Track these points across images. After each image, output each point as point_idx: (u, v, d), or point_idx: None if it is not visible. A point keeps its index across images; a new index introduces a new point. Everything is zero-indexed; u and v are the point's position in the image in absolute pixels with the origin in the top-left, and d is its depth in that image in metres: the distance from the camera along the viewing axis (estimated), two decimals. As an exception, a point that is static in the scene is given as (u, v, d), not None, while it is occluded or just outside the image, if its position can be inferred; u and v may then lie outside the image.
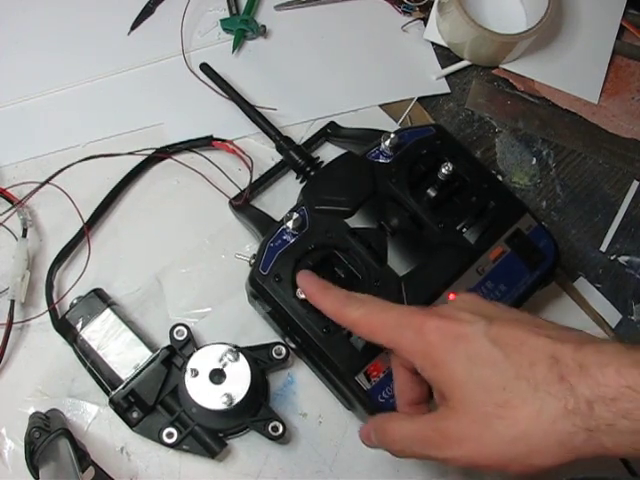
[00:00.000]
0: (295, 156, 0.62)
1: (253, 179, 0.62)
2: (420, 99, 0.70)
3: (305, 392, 0.59)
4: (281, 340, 0.57)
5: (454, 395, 0.39)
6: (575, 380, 0.35)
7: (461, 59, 0.72)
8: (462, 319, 0.40)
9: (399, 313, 0.42)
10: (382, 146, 0.57)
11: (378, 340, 0.43)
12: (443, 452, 0.39)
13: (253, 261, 0.55)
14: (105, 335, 0.56)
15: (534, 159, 0.70)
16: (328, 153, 0.65)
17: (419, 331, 0.40)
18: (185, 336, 0.56)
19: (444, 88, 0.71)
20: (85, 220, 0.60)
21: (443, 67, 0.72)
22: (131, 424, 0.54)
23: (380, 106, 0.69)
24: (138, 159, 0.63)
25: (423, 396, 0.45)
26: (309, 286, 0.48)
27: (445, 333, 0.39)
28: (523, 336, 0.38)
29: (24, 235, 0.59)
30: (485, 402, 0.37)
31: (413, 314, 0.42)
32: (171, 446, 0.53)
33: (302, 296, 0.51)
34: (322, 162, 0.62)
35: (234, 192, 0.62)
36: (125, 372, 0.55)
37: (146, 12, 0.70)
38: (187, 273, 0.61)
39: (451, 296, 0.53)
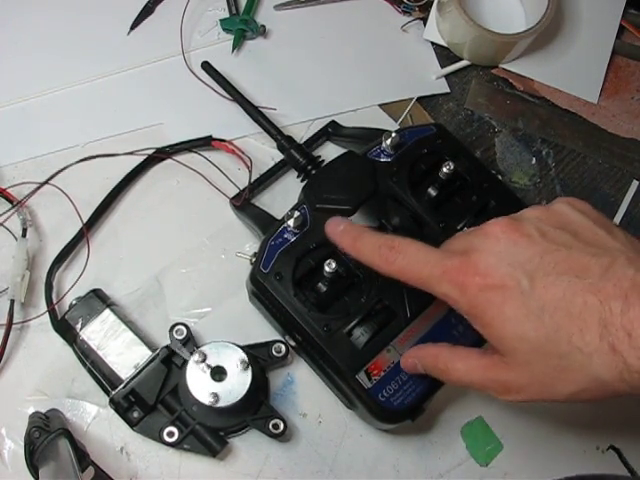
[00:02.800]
0: (296, 155, 0.62)
1: (253, 179, 0.62)
2: (420, 99, 0.70)
3: (305, 392, 0.59)
4: (281, 338, 0.57)
5: (508, 355, 0.40)
6: (626, 352, 0.36)
7: (461, 59, 0.72)
8: (503, 279, 0.39)
9: (442, 266, 0.41)
10: (383, 145, 0.57)
11: (424, 289, 0.43)
12: (502, 396, 0.41)
13: (254, 260, 0.55)
14: (105, 335, 0.56)
15: (534, 159, 0.70)
16: (329, 152, 0.65)
17: (463, 292, 0.40)
18: (185, 335, 0.56)
19: (444, 88, 0.71)
20: (85, 220, 0.60)
21: (443, 67, 0.72)
22: (132, 424, 0.54)
23: (380, 106, 0.69)
24: (138, 159, 0.63)
25: None
26: (341, 238, 0.47)
27: (489, 296, 0.39)
28: (569, 295, 0.37)
29: (24, 235, 0.59)
30: (543, 366, 0.39)
31: (457, 271, 0.40)
32: (172, 445, 0.53)
33: (328, 269, 0.50)
34: (323, 161, 0.62)
35: (234, 192, 0.62)
36: (125, 372, 0.55)
37: (146, 12, 0.70)
38: (187, 273, 0.61)
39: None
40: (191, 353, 0.54)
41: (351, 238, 0.47)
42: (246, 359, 0.53)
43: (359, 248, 0.46)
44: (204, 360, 0.53)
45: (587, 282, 0.37)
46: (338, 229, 0.48)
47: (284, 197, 0.63)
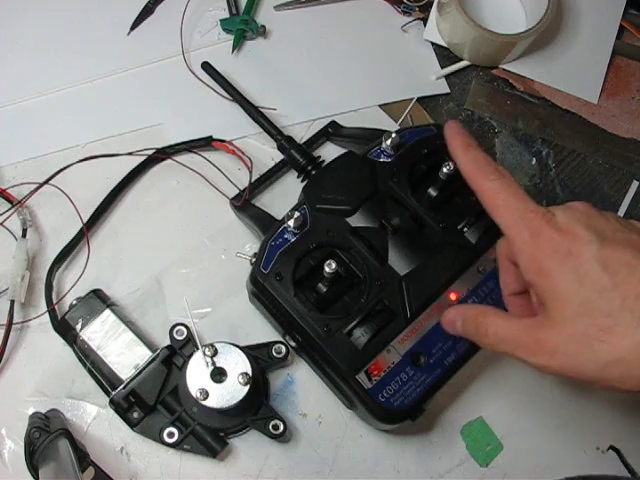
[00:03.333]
0: (296, 155, 0.62)
1: (253, 179, 0.62)
2: (420, 99, 0.70)
3: (305, 392, 0.59)
4: (281, 339, 0.57)
5: (555, 308, 0.39)
6: None
7: (461, 59, 0.72)
8: (577, 234, 0.39)
9: (524, 206, 0.42)
10: (383, 145, 0.57)
11: (495, 219, 0.43)
12: (534, 358, 0.40)
13: (254, 260, 0.55)
14: (105, 335, 0.56)
15: (534, 159, 0.70)
16: (329, 152, 0.65)
17: (535, 235, 0.40)
18: (185, 336, 0.56)
19: (444, 88, 0.71)
20: (85, 220, 0.60)
21: (443, 67, 0.72)
22: (132, 424, 0.54)
23: (380, 106, 0.69)
24: (138, 159, 0.63)
25: (527, 287, 0.46)
26: (453, 138, 0.47)
27: (558, 246, 0.39)
28: (634, 263, 0.38)
29: (24, 235, 0.59)
30: (587, 324, 0.38)
31: (535, 214, 0.41)
32: (172, 446, 0.53)
33: (328, 270, 0.50)
34: (323, 161, 0.62)
35: (234, 192, 0.62)
36: (125, 372, 0.55)
37: (146, 12, 0.70)
38: (187, 273, 0.61)
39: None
40: (192, 353, 0.54)
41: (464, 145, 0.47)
42: (249, 374, 0.53)
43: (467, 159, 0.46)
44: (213, 355, 0.53)
45: None
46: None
47: (284, 197, 0.63)
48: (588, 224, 0.40)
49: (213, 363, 0.53)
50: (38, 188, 0.61)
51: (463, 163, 0.46)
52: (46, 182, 0.62)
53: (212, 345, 0.53)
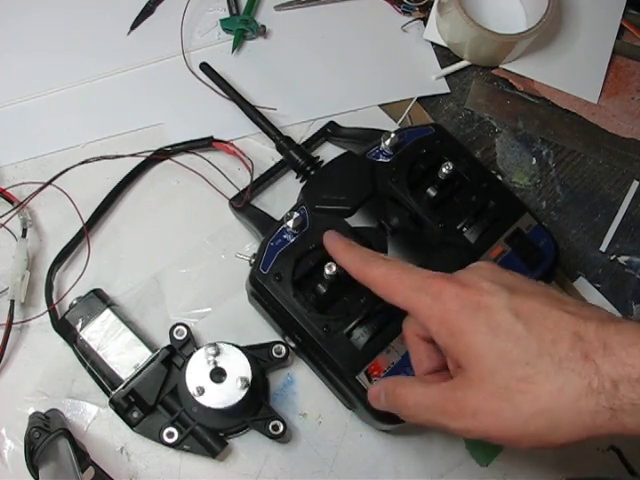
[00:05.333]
0: (295, 156, 0.62)
1: (253, 179, 0.62)
2: (420, 99, 0.70)
3: (305, 392, 0.59)
4: (281, 339, 0.57)
5: (472, 366, 0.38)
6: (600, 359, 0.35)
7: (461, 59, 0.72)
8: (483, 288, 0.39)
9: (419, 276, 0.41)
10: (382, 145, 0.57)
11: (395, 300, 0.42)
12: (456, 422, 0.38)
13: (253, 260, 0.55)
14: (105, 335, 0.56)
15: (534, 159, 0.70)
16: (328, 153, 0.65)
17: (437, 297, 0.40)
18: (185, 336, 0.56)
19: (444, 88, 0.71)
20: (85, 220, 0.60)
21: (443, 67, 0.72)
22: (131, 424, 0.54)
23: (380, 106, 0.69)
24: (138, 160, 0.63)
25: (441, 364, 0.44)
26: (333, 243, 0.48)
27: (465, 301, 0.39)
28: (545, 310, 0.37)
29: (24, 235, 0.59)
30: (506, 376, 0.37)
31: (433, 278, 0.41)
32: (172, 446, 0.53)
33: (328, 272, 0.50)
34: (322, 162, 0.62)
35: (234, 192, 0.62)
36: (125, 372, 0.55)
37: (146, 12, 0.70)
38: (187, 273, 0.61)
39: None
40: (192, 353, 0.54)
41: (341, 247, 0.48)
42: (248, 379, 0.53)
43: (351, 257, 0.47)
44: (215, 355, 0.53)
45: (565, 307, 0.37)
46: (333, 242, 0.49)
47: (284, 198, 0.63)
48: (493, 279, 0.40)
49: (214, 362, 0.53)
50: (41, 189, 0.61)
51: (348, 262, 0.46)
52: (49, 183, 0.62)
53: (215, 344, 0.53)
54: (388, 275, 0.43)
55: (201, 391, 0.52)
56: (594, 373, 0.35)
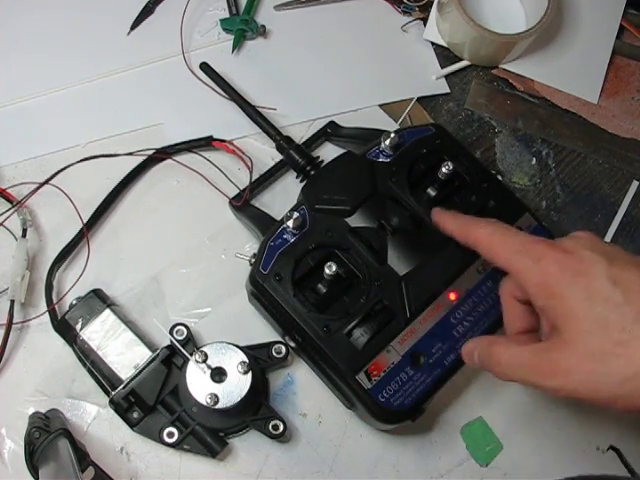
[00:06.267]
0: (295, 155, 0.62)
1: (253, 179, 0.62)
2: (420, 99, 0.70)
3: (305, 392, 0.59)
4: (281, 339, 0.57)
5: (569, 328, 0.39)
6: None
7: (461, 59, 0.72)
8: (583, 256, 0.40)
9: (521, 239, 0.43)
10: (382, 145, 0.57)
11: (497, 261, 0.43)
12: (548, 381, 0.40)
13: (253, 260, 0.55)
14: (105, 335, 0.56)
15: (534, 159, 0.70)
16: (328, 152, 0.65)
17: (539, 260, 0.41)
18: (185, 336, 0.56)
19: (444, 88, 0.71)
20: (85, 220, 0.60)
21: (443, 67, 0.72)
22: (131, 424, 0.54)
23: (380, 106, 0.69)
24: (138, 159, 0.63)
25: (533, 325, 0.46)
26: (440, 215, 0.50)
27: (565, 267, 0.40)
28: None
29: (24, 235, 0.59)
30: (602, 340, 0.38)
31: (536, 242, 0.42)
32: (172, 446, 0.53)
33: (328, 272, 0.51)
34: (322, 161, 0.62)
35: (234, 192, 0.62)
36: (125, 372, 0.55)
37: (146, 12, 0.70)
38: (187, 273, 0.61)
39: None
40: (191, 354, 0.54)
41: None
42: (247, 362, 0.53)
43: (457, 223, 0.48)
44: (205, 360, 0.53)
45: None
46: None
47: (284, 197, 0.63)
48: (593, 248, 0.40)
49: (208, 367, 0.53)
50: (38, 188, 0.62)
51: (456, 227, 0.48)
52: (46, 182, 0.62)
53: (200, 350, 0.53)
54: (492, 235, 0.44)
55: (214, 398, 0.52)
56: None
